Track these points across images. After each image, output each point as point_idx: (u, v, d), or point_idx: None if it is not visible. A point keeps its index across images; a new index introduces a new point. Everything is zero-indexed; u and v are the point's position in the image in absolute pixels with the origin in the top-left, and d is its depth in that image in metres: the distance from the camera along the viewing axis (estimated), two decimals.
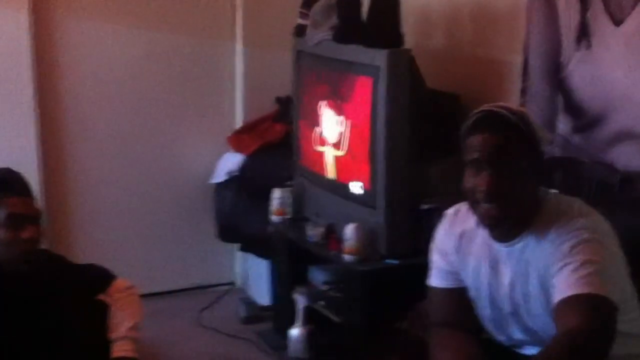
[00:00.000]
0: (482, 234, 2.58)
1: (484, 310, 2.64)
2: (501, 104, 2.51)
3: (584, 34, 3.40)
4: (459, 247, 2.65)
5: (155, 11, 4.80)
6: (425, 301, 2.81)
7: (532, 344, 2.58)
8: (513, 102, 3.75)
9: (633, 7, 3.17)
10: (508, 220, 2.46)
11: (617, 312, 2.29)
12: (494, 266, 2.56)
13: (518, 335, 2.61)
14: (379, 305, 3.69)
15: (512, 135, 2.40)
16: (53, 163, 4.68)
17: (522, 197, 2.44)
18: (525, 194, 2.45)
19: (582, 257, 2.33)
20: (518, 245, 2.49)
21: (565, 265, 2.34)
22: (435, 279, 2.74)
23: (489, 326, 2.68)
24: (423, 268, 2.92)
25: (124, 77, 4.80)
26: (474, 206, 2.49)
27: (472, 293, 2.66)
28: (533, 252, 2.46)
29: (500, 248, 2.54)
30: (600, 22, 3.32)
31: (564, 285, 2.31)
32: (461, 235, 2.64)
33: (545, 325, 2.44)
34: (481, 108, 2.50)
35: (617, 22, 3.25)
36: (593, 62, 3.38)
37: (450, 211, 2.73)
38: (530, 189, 2.46)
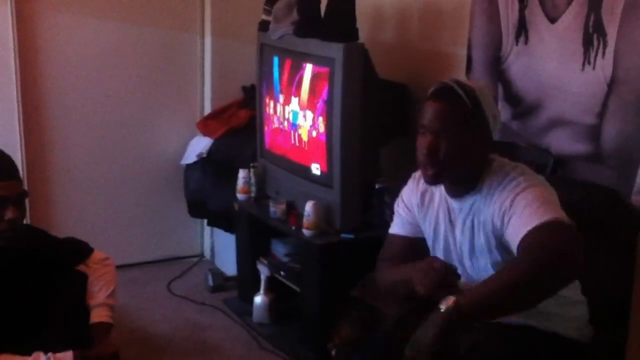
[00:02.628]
0: (441, 191, 2.64)
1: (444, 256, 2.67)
2: (456, 78, 2.53)
3: (522, 30, 3.41)
4: (421, 203, 2.71)
5: (131, 5, 4.74)
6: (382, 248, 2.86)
7: None
8: None
9: (566, 7, 3.18)
10: (447, 179, 2.53)
11: (577, 230, 2.25)
12: (450, 220, 2.61)
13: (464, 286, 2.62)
14: (334, 276, 3.69)
15: (456, 105, 2.44)
16: (35, 145, 4.62)
17: (459, 160, 2.47)
18: (462, 157, 2.47)
19: (527, 199, 2.33)
20: (468, 201, 2.53)
21: (512, 214, 2.35)
22: (396, 227, 2.81)
23: None
24: (375, 241, 2.93)
25: (101, 66, 4.74)
26: (418, 165, 2.54)
27: (429, 243, 2.72)
28: (479, 209, 2.50)
29: (454, 203, 2.59)
30: (537, 19, 3.33)
31: (518, 226, 2.30)
32: (423, 193, 2.70)
33: None
34: (439, 81, 2.53)
35: (552, 20, 3.26)
36: (530, 56, 3.39)
37: (416, 173, 2.75)
38: (475, 153, 2.49)
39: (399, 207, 2.80)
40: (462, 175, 2.51)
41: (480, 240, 2.51)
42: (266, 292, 4.22)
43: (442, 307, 2.20)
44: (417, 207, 2.72)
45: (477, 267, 2.55)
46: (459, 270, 2.58)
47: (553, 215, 2.26)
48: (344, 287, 3.45)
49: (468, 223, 2.55)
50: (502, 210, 2.40)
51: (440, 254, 2.66)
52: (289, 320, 4.14)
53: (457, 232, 2.60)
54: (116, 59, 4.78)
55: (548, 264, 2.17)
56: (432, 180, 2.54)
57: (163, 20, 4.85)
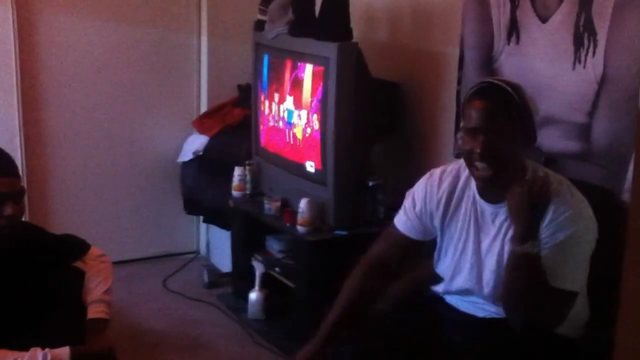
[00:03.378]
0: (470, 193, 2.59)
1: (449, 260, 2.66)
2: (498, 77, 2.52)
3: (513, 29, 3.40)
4: (447, 202, 2.64)
5: (128, 6, 4.75)
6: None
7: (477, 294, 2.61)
8: (449, 90, 3.75)
9: (557, 6, 3.17)
10: (499, 180, 2.46)
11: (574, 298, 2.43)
12: (478, 223, 2.57)
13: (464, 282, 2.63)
14: (328, 272, 3.67)
15: (504, 104, 2.41)
16: (33, 143, 4.62)
17: (513, 159, 2.47)
18: (515, 156, 2.47)
19: (566, 254, 2.40)
20: (504, 208, 2.49)
21: (552, 256, 2.39)
22: (400, 222, 2.76)
23: (445, 271, 2.69)
24: (368, 238, 2.92)
25: (99, 66, 4.74)
26: (470, 168, 2.50)
27: (447, 243, 2.66)
28: None
29: (487, 207, 2.55)
30: (528, 19, 3.32)
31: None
32: (451, 192, 2.64)
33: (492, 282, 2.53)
34: (480, 80, 2.52)
35: (543, 20, 3.25)
36: (521, 55, 3.37)
37: (437, 170, 2.71)
38: (519, 154, 2.49)
39: (408, 204, 2.74)
40: (510, 177, 2.46)
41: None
42: (261, 288, 4.21)
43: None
44: (441, 206, 2.64)
45: (498, 275, 2.52)
46: (472, 280, 2.58)
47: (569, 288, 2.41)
48: (337, 283, 3.45)
49: (504, 229, 2.50)
50: (548, 235, 2.40)
51: (454, 257, 2.63)
52: (283, 316, 4.12)
53: (486, 236, 2.55)
54: (114, 59, 4.77)
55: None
56: (488, 181, 2.48)
57: (160, 20, 4.84)
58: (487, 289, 2.56)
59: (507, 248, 2.47)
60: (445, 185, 2.64)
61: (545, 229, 2.39)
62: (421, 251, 2.80)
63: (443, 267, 2.70)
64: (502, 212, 2.50)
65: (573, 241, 2.40)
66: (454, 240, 2.64)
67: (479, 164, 2.44)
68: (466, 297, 2.66)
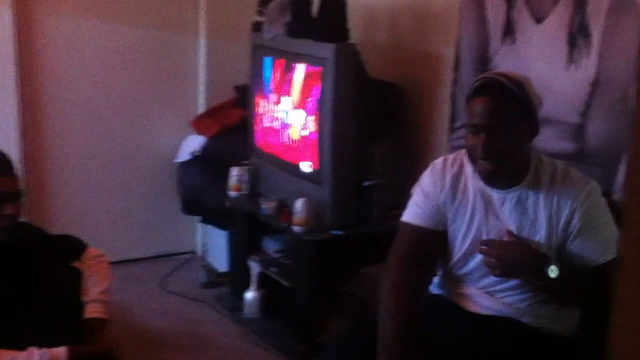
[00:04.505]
0: (477, 183, 2.58)
1: (461, 246, 2.62)
2: (500, 71, 2.52)
3: (509, 30, 3.41)
4: (454, 189, 2.61)
5: (127, 7, 4.75)
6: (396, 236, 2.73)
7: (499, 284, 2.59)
8: (445, 90, 3.76)
9: (552, 7, 3.18)
10: (503, 173, 2.48)
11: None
12: (487, 210, 2.56)
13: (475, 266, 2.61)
14: (325, 271, 3.69)
15: (507, 100, 2.42)
16: (32, 143, 4.62)
17: (515, 154, 2.47)
18: (518, 151, 2.48)
19: (599, 224, 2.47)
20: (513, 194, 2.51)
21: (587, 234, 2.46)
22: (414, 217, 2.65)
23: (461, 267, 2.65)
24: (364, 237, 2.93)
25: (99, 67, 4.75)
26: (474, 162, 2.51)
27: (455, 233, 2.62)
28: (535, 204, 2.49)
29: (494, 194, 2.55)
30: (523, 20, 3.34)
31: (593, 251, 2.46)
32: (456, 179, 2.61)
33: None
34: (482, 75, 2.52)
35: (539, 20, 3.26)
36: (517, 56, 3.39)
37: (438, 161, 2.69)
38: (523, 146, 2.49)
39: (417, 197, 2.66)
40: (514, 168, 2.49)
41: (536, 232, 2.50)
42: (257, 287, 4.21)
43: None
44: (449, 193, 2.60)
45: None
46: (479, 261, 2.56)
47: (612, 255, 2.41)
48: (333, 282, 3.46)
49: (515, 215, 2.51)
50: (572, 212, 2.45)
51: (466, 243, 2.60)
52: (280, 315, 4.13)
53: (497, 221, 2.54)
54: (113, 59, 4.77)
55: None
56: (490, 176, 2.49)
57: (159, 21, 4.84)
58: (492, 276, 2.54)
59: (524, 234, 2.50)
60: (450, 174, 2.62)
61: (574, 218, 2.46)
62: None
63: (457, 253, 2.63)
64: (509, 197, 2.52)
65: (599, 214, 2.48)
66: (463, 229, 2.60)
67: (481, 161, 2.46)
68: (480, 282, 2.64)
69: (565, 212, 2.46)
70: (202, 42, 4.96)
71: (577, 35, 3.07)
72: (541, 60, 3.26)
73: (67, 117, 4.71)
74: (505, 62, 3.45)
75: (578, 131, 3.12)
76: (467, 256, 2.61)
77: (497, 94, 2.42)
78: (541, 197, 2.48)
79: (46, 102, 4.65)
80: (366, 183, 3.77)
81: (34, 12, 4.51)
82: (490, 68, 3.51)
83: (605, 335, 1.53)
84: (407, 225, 2.66)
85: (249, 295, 4.22)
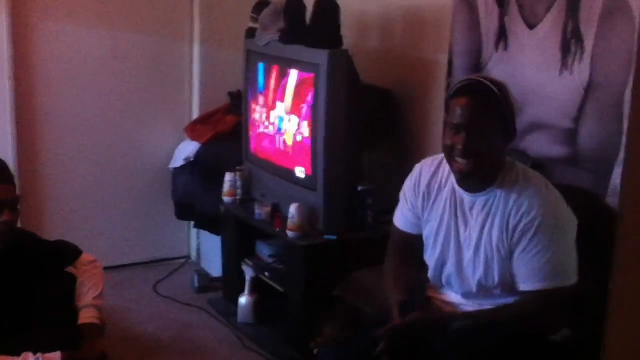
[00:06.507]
0: (450, 183, 2.63)
1: (434, 250, 2.68)
2: (483, 74, 2.54)
3: (502, 36, 3.40)
4: (428, 193, 2.68)
5: (122, 14, 4.74)
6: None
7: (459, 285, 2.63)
8: (440, 97, 3.75)
9: (545, 14, 3.18)
10: (478, 174, 2.50)
11: (570, 292, 2.45)
12: (457, 213, 2.60)
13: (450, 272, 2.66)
14: (318, 276, 3.68)
15: (488, 102, 2.44)
16: (26, 150, 4.61)
17: (492, 155, 2.50)
18: (494, 153, 2.50)
19: (542, 243, 2.44)
20: (482, 197, 2.53)
21: (526, 249, 2.46)
22: (399, 221, 2.81)
23: (432, 262, 2.71)
24: (358, 242, 2.92)
25: (93, 73, 4.74)
26: (450, 161, 2.53)
27: (429, 235, 2.69)
28: (496, 206, 2.51)
29: (466, 197, 2.58)
30: (516, 26, 3.33)
31: (527, 273, 2.48)
32: (430, 183, 2.68)
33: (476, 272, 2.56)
34: (466, 77, 2.57)
35: (531, 27, 3.25)
36: (509, 62, 3.38)
37: (419, 164, 2.76)
38: (500, 150, 2.51)
39: (401, 201, 2.80)
40: (489, 171, 2.51)
41: (492, 236, 2.51)
42: (251, 292, 4.20)
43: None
44: (423, 198, 2.69)
45: (477, 263, 2.54)
46: (454, 272, 2.60)
47: (554, 282, 2.43)
48: (327, 287, 3.45)
49: (480, 219, 2.53)
50: (523, 225, 2.46)
51: (438, 246, 2.65)
52: (273, 320, 4.12)
53: (465, 225, 2.58)
54: (107, 66, 4.77)
55: (533, 325, 2.48)
56: (468, 176, 2.51)
57: (153, 28, 4.85)
58: (466, 282, 2.59)
59: (484, 239, 2.52)
60: (427, 176, 2.69)
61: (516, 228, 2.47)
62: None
63: (431, 259, 2.71)
64: (479, 201, 2.54)
65: (548, 233, 2.45)
66: (434, 230, 2.67)
67: (459, 160, 2.48)
68: (449, 291, 2.69)
69: (515, 217, 2.47)
70: (196, 48, 4.95)
71: (570, 41, 3.06)
72: (534, 66, 3.25)
73: (61, 123, 4.70)
74: (498, 68, 3.44)
75: (571, 136, 3.11)
76: (440, 263, 2.68)
77: (479, 96, 2.46)
78: (502, 200, 2.50)
79: (40, 108, 4.64)
80: (360, 188, 3.76)
81: (30, 18, 4.51)
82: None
83: (598, 339, 1.52)
84: (394, 227, 2.84)
85: (243, 300, 4.21)
